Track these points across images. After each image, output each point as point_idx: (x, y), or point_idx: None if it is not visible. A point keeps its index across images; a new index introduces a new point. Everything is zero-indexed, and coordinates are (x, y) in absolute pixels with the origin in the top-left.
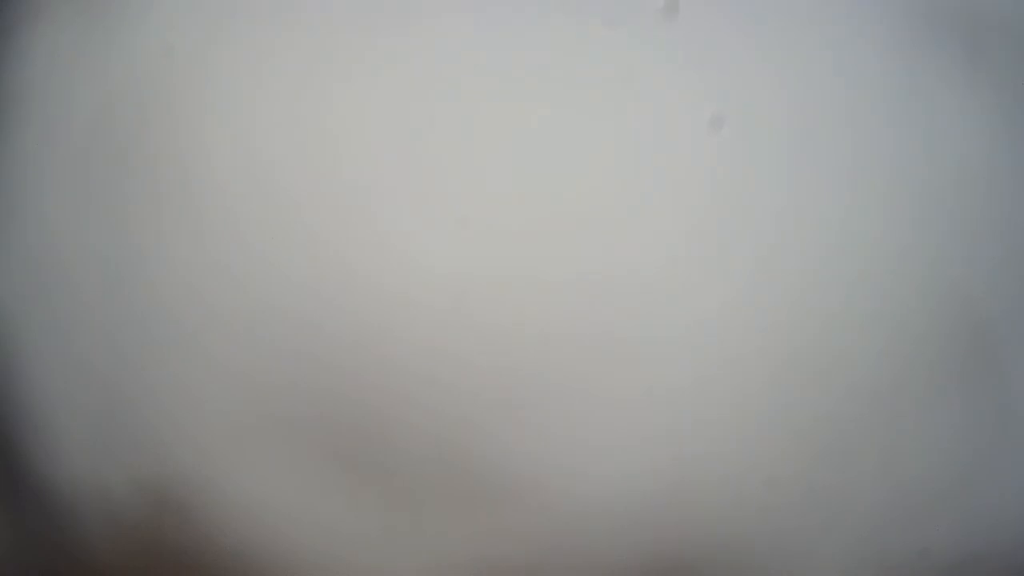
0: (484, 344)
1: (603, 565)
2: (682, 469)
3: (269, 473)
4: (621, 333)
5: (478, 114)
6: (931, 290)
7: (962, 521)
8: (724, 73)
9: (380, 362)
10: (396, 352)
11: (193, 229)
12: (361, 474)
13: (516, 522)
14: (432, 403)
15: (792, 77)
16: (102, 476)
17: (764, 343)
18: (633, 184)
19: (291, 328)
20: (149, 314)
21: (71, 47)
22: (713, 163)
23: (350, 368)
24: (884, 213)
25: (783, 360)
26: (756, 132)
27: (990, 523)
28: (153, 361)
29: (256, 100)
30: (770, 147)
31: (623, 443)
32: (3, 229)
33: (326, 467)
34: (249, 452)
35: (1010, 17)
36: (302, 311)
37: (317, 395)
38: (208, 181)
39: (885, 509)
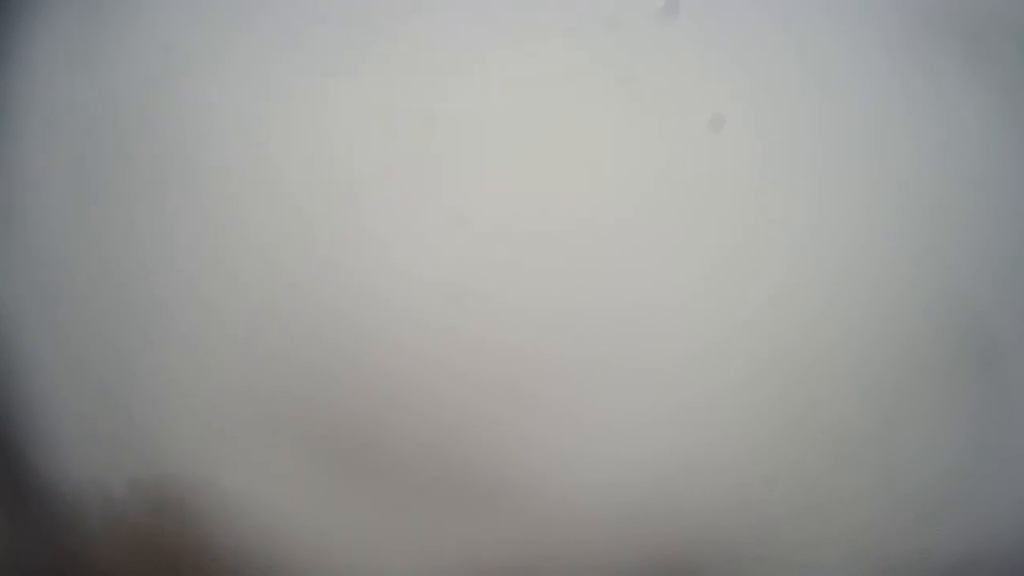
0: (480, 345)
1: (600, 566)
2: (681, 470)
3: (268, 473)
4: (620, 337)
5: (477, 114)
6: (939, 300)
7: (963, 523)
8: (724, 74)
9: (376, 361)
10: (392, 352)
11: (192, 230)
12: (358, 474)
13: (512, 523)
14: (428, 402)
15: (792, 78)
16: (102, 476)
17: (767, 345)
18: (632, 185)
19: (289, 330)
20: (149, 315)
21: (71, 47)
22: (714, 165)
23: (348, 368)
24: (889, 220)
25: (785, 361)
26: (755, 134)
27: (990, 525)
28: (153, 362)
29: (255, 100)
30: (770, 149)
31: (621, 446)
32: (3, 229)
33: (323, 468)
34: (248, 452)
35: (1010, 16)
36: (300, 313)
37: (315, 396)
38: (207, 182)
39: (886, 510)
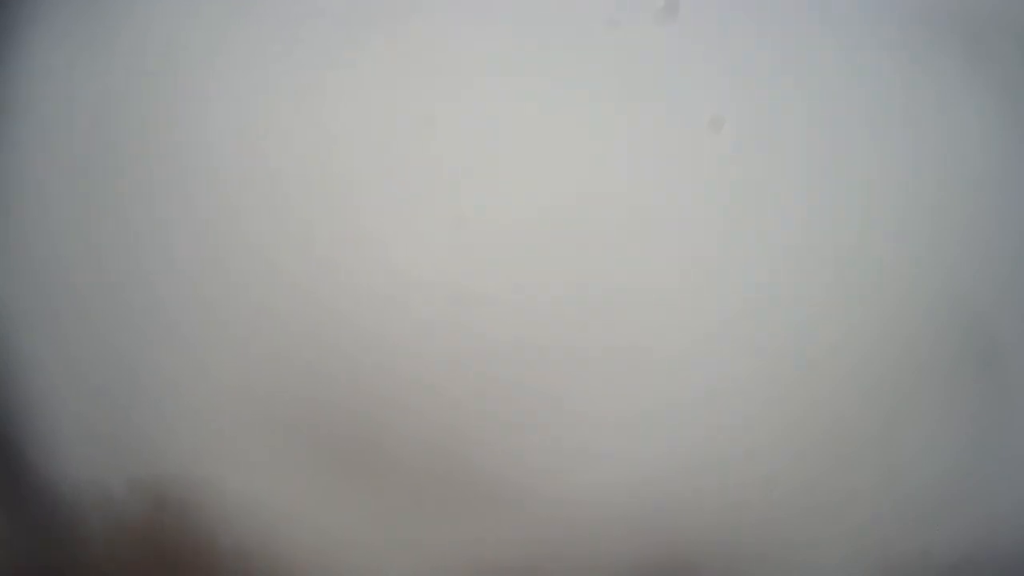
0: (480, 346)
1: (601, 566)
2: (682, 469)
3: (267, 473)
4: (620, 337)
5: (477, 114)
6: (939, 300)
7: (963, 523)
8: (724, 74)
9: (376, 361)
10: (392, 352)
11: (191, 231)
12: (359, 474)
13: (512, 522)
14: (429, 402)
15: (791, 78)
16: (102, 476)
17: (768, 347)
18: (632, 184)
19: (288, 330)
20: (148, 315)
21: (72, 47)
22: (713, 165)
23: (348, 368)
24: (888, 220)
25: (785, 361)
26: (755, 133)
27: (990, 525)
28: (152, 362)
29: (255, 100)
30: (769, 148)
31: (621, 446)
32: (3, 229)
33: (323, 467)
34: (247, 452)
35: (1010, 16)
36: (299, 313)
37: (314, 396)
38: (207, 183)
39: (886, 510)
